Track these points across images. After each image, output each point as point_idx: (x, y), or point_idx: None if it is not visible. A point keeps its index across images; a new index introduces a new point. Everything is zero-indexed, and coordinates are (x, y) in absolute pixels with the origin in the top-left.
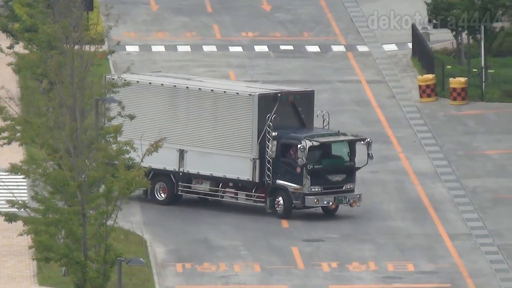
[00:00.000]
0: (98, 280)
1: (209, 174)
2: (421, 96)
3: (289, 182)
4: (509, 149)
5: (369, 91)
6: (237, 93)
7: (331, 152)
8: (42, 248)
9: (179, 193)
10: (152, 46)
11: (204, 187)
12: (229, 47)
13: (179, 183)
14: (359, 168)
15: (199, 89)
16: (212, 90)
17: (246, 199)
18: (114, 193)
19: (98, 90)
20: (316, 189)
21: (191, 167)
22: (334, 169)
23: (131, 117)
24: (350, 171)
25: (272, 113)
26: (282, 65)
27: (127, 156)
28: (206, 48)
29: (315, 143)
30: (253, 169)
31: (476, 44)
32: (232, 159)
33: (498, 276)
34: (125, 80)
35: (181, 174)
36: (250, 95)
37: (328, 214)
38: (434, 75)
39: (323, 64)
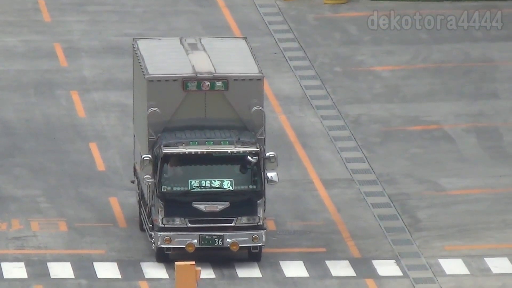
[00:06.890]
0: None
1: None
2: None
3: (155, 211)
4: (404, 64)
5: None
6: (144, 76)
7: (207, 168)
8: None
9: None
10: None
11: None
12: None
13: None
14: (260, 194)
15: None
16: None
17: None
18: None
19: None
20: (177, 223)
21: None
22: (208, 195)
23: None
24: (242, 198)
25: (174, 107)
26: None
27: None
28: None
29: (173, 154)
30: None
31: None
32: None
33: (390, 237)
34: None
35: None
36: (145, 78)
37: (254, 257)
38: None
39: None
